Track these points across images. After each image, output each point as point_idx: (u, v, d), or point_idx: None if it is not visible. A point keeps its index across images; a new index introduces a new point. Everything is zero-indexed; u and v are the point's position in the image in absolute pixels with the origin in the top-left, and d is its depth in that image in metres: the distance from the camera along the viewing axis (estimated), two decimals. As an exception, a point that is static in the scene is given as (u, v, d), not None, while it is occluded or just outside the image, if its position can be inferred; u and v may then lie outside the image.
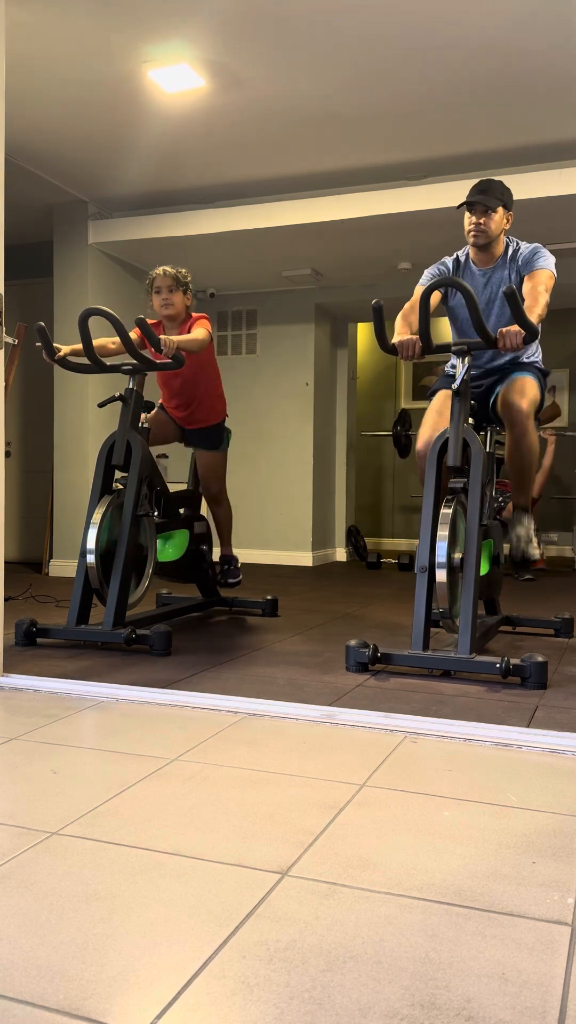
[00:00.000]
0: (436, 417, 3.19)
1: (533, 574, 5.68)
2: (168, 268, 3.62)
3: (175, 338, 3.19)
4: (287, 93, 3.99)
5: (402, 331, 3.06)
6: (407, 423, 7.34)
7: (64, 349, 3.34)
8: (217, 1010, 0.96)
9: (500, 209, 3.04)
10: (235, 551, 6.88)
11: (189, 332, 3.55)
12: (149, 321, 3.67)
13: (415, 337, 2.88)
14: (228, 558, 4.11)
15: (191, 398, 3.78)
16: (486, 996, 0.99)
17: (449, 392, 3.19)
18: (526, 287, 3.00)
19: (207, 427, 3.88)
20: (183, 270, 3.67)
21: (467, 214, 3.08)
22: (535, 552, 3.18)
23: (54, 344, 3.30)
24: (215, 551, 5.59)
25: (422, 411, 3.88)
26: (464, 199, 3.08)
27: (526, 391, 3.07)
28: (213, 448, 3.91)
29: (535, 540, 3.20)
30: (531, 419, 3.06)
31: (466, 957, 1.08)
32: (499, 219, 3.06)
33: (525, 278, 3.05)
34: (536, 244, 3.11)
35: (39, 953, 1.08)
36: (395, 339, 2.94)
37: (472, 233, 3.08)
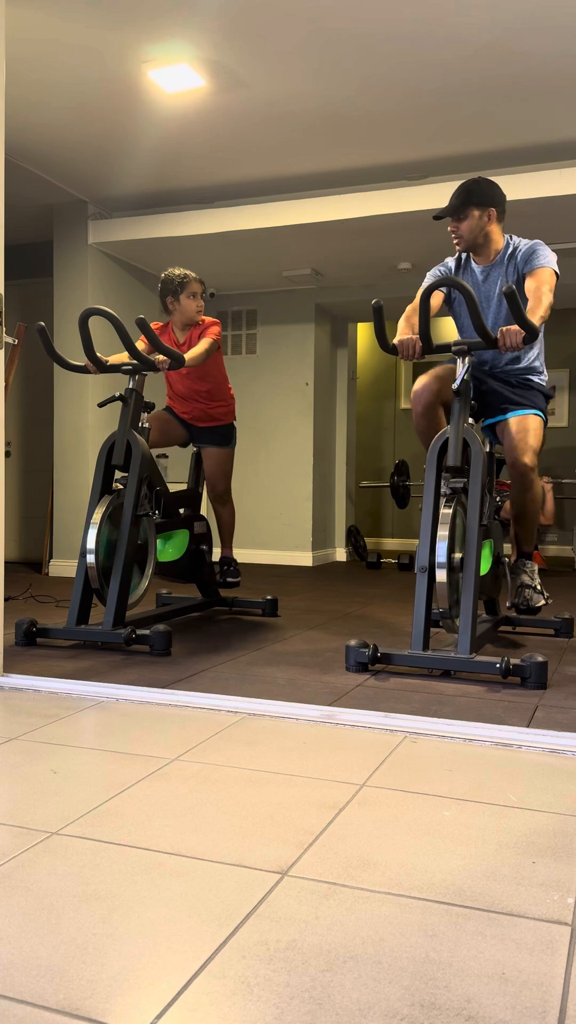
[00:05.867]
0: (441, 370, 3.17)
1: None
2: (192, 273, 3.73)
3: (184, 355, 3.34)
4: (287, 93, 3.99)
5: (404, 332, 3.06)
6: (405, 473, 7.11)
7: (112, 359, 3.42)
8: (217, 1010, 0.96)
9: (473, 211, 3.05)
10: (235, 550, 6.90)
11: (200, 337, 3.68)
12: (153, 325, 3.72)
13: (415, 337, 2.88)
14: (228, 559, 4.11)
15: (208, 394, 3.85)
16: (486, 996, 0.99)
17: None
18: (529, 287, 2.99)
19: (220, 426, 3.94)
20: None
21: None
22: (540, 602, 3.16)
23: (98, 356, 3.32)
24: (215, 551, 5.58)
25: None
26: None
27: (529, 440, 3.06)
28: (223, 445, 3.96)
29: (539, 586, 3.18)
30: (535, 469, 3.09)
31: (466, 957, 1.08)
32: (474, 221, 3.08)
33: (527, 277, 3.04)
34: (536, 241, 3.10)
35: (39, 953, 1.08)
36: (395, 339, 2.95)
37: (453, 238, 3.17)
